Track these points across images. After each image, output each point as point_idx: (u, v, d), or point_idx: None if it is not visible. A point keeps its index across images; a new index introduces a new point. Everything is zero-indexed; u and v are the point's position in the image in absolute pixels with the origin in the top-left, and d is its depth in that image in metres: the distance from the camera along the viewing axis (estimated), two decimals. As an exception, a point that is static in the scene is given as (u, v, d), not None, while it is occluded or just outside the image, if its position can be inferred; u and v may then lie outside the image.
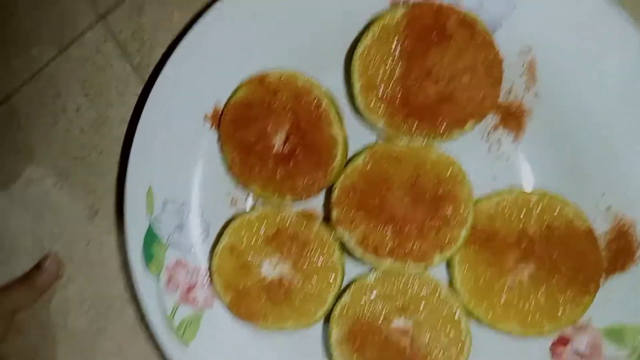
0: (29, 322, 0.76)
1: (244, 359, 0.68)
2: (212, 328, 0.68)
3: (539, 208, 0.62)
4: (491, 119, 0.65)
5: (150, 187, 0.67)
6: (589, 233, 0.61)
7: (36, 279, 0.72)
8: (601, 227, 0.63)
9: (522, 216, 0.62)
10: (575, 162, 0.64)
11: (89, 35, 0.76)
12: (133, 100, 0.75)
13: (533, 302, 0.61)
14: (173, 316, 0.67)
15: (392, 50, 0.61)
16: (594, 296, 0.60)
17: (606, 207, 0.63)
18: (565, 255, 0.61)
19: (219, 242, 0.66)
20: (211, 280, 0.68)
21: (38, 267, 0.73)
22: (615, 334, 0.62)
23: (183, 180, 0.68)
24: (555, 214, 0.61)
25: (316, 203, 0.69)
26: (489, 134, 0.66)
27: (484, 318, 0.62)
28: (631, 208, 0.62)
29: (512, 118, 0.64)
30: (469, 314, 0.63)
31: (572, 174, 0.64)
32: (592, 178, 0.63)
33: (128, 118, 0.75)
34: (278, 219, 0.66)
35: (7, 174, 0.77)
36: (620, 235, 0.62)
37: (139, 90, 0.75)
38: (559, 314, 0.61)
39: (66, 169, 0.76)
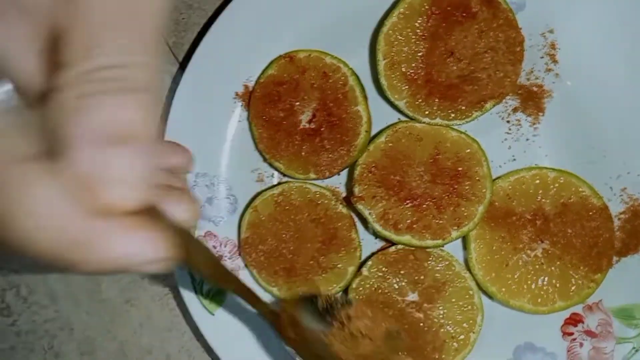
0: (63, 291, 0.80)
1: (264, 330, 0.70)
2: (237, 300, 0.69)
3: (556, 185, 0.63)
4: (511, 101, 0.67)
5: (183, 161, 0.70)
6: (604, 209, 0.62)
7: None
8: (616, 208, 0.64)
9: (539, 193, 0.63)
10: (592, 143, 0.65)
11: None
12: (168, 79, 0.77)
13: (546, 279, 0.63)
14: (202, 284, 0.70)
15: (416, 29, 0.63)
16: (606, 273, 0.62)
17: (621, 188, 0.64)
18: (579, 232, 0.62)
19: (244, 217, 0.69)
20: (239, 252, 0.71)
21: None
22: (626, 314, 0.63)
23: (214, 155, 0.71)
24: (572, 190, 0.63)
25: (337, 182, 0.71)
26: (509, 115, 0.67)
27: (497, 294, 0.64)
28: (646, 190, 0.63)
29: (532, 100, 0.66)
30: (483, 290, 0.65)
31: (589, 156, 0.65)
32: (608, 160, 0.64)
33: (163, 97, 0.77)
34: (301, 194, 0.68)
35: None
36: (635, 216, 0.63)
37: (174, 69, 0.77)
38: (571, 291, 0.62)
39: (104, 144, 0.79)
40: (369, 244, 0.70)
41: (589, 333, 0.64)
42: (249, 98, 0.69)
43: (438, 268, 0.65)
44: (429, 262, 0.65)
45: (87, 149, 0.25)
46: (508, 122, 0.67)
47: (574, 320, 0.65)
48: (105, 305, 0.79)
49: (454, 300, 0.64)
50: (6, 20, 0.27)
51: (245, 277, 0.71)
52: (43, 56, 0.28)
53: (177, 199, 0.36)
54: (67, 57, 0.26)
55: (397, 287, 0.65)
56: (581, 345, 0.64)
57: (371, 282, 0.65)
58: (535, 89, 0.66)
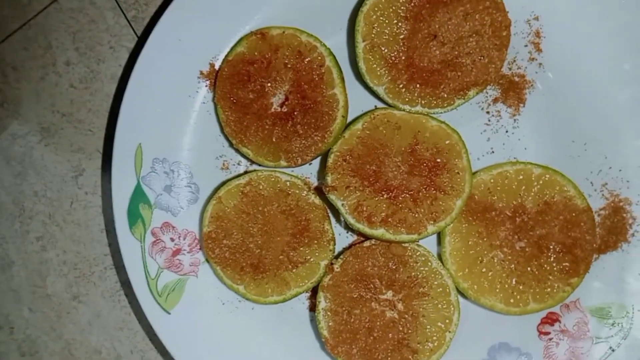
0: (3, 285, 0.74)
1: (225, 330, 0.66)
2: (196, 297, 0.66)
3: (540, 183, 0.61)
4: (492, 91, 0.65)
5: (139, 145, 0.65)
6: (588, 212, 0.60)
7: None
8: (596, 204, 0.62)
9: (522, 190, 0.61)
10: (573, 137, 0.63)
11: (83, -15, 0.73)
12: (125, 56, 0.72)
13: (521, 279, 0.61)
14: (156, 280, 0.65)
15: (399, 9, 0.60)
16: (582, 277, 0.60)
17: (602, 183, 0.62)
18: (559, 233, 0.60)
19: (206, 209, 0.64)
20: (200, 247, 0.66)
21: None
22: (603, 313, 0.62)
23: (174, 139, 0.66)
24: (556, 189, 0.61)
25: (308, 172, 0.67)
26: (489, 106, 0.65)
27: (469, 291, 0.61)
28: (627, 186, 0.62)
29: (514, 90, 0.64)
30: (455, 286, 0.62)
31: (569, 150, 0.63)
32: (589, 154, 0.63)
33: (119, 75, 0.72)
34: (270, 183, 0.64)
35: (-10, 128, 0.74)
36: (615, 213, 0.62)
37: (132, 45, 0.72)
38: (546, 294, 0.60)
39: (53, 125, 0.74)
40: (340, 238, 0.66)
41: (566, 332, 0.62)
42: (215, 78, 0.64)
43: (414, 264, 0.61)
44: (404, 258, 0.61)
45: None
46: (488, 112, 0.65)
47: (551, 319, 0.63)
48: (51, 302, 0.74)
49: (429, 297, 0.61)
50: None
51: (206, 273, 0.66)
52: None
53: None
54: None
55: (370, 284, 0.61)
56: (557, 345, 0.62)
57: (344, 279, 0.62)
58: (517, 78, 0.63)
